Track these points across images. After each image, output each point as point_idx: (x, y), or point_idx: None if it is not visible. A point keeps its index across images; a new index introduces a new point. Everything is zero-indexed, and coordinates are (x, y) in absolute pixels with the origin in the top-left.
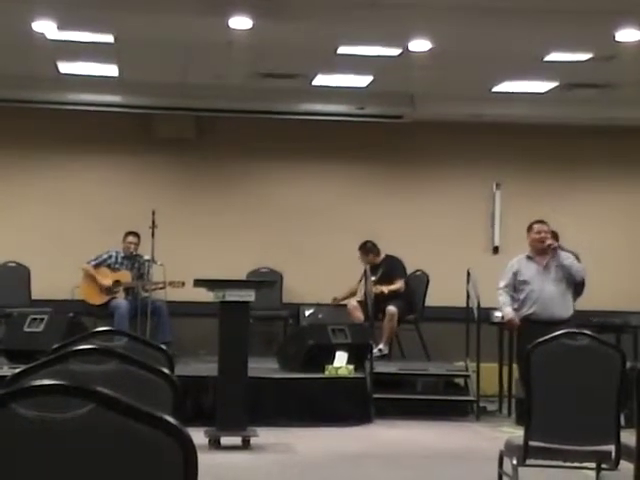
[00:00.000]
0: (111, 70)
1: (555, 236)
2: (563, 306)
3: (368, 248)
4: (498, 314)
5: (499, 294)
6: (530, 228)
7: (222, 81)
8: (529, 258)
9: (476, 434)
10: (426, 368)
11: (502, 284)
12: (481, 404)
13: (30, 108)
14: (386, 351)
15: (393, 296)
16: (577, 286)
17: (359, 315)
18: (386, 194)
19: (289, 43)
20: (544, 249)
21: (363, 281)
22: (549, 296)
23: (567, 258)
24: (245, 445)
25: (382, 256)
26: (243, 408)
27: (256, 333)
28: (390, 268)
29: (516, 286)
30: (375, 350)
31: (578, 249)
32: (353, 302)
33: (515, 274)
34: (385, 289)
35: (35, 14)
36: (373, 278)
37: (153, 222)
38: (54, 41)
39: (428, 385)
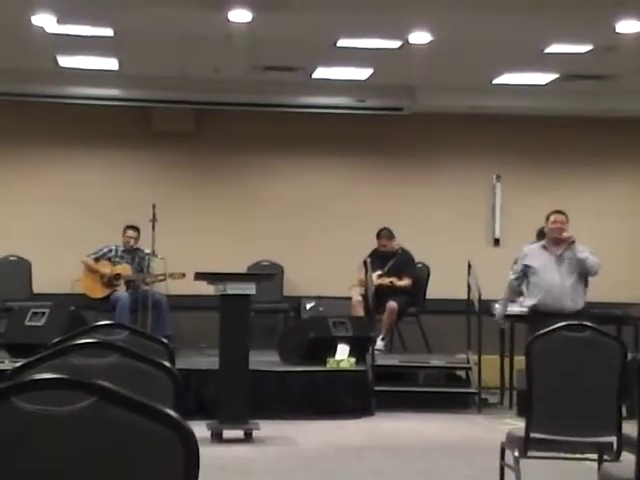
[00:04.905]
0: (110, 64)
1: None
2: (574, 298)
3: (388, 235)
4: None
5: (507, 287)
6: (547, 218)
7: (221, 74)
8: (544, 247)
9: (477, 426)
10: (427, 360)
11: (512, 276)
12: (482, 396)
13: (29, 102)
14: (382, 347)
15: (398, 291)
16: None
17: (361, 311)
18: (387, 186)
19: (288, 36)
20: (560, 239)
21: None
22: (559, 287)
23: (583, 252)
24: (247, 438)
25: (396, 247)
26: (245, 401)
27: (257, 326)
28: (402, 263)
29: (528, 275)
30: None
31: (578, 240)
32: (357, 297)
33: (526, 263)
34: (395, 281)
35: (34, 8)
36: (379, 272)
37: (154, 215)
38: (53, 35)
39: (429, 377)
